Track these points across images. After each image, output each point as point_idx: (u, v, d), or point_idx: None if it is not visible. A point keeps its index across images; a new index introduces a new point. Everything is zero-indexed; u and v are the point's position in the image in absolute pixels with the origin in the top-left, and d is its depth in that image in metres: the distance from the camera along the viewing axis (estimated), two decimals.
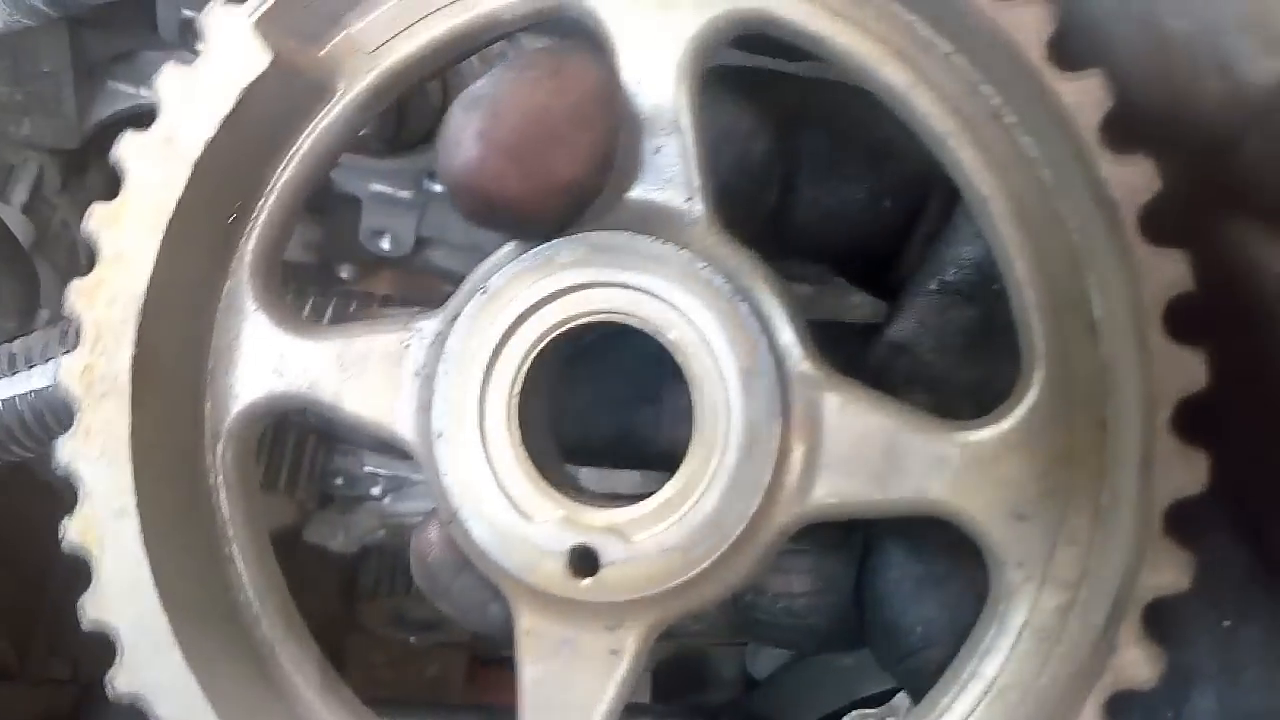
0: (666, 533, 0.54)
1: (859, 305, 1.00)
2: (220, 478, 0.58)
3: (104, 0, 0.96)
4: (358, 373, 0.57)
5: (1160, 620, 0.50)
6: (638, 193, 0.55)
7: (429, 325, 0.56)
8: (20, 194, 1.28)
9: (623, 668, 0.55)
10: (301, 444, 1.53)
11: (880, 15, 0.54)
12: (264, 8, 0.54)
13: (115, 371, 0.54)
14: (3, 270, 1.04)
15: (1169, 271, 0.49)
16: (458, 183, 0.51)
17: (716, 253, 0.55)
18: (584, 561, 0.54)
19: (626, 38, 0.55)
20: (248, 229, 0.57)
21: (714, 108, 0.56)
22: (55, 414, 1.02)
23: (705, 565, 0.54)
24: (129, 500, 0.54)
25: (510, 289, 0.54)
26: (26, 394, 1.01)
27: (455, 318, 0.55)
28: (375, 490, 1.70)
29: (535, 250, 0.54)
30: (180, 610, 0.54)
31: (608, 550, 0.54)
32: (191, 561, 0.56)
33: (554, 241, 0.54)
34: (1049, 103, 0.50)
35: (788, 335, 0.54)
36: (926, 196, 0.63)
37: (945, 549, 0.58)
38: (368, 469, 1.67)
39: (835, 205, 0.64)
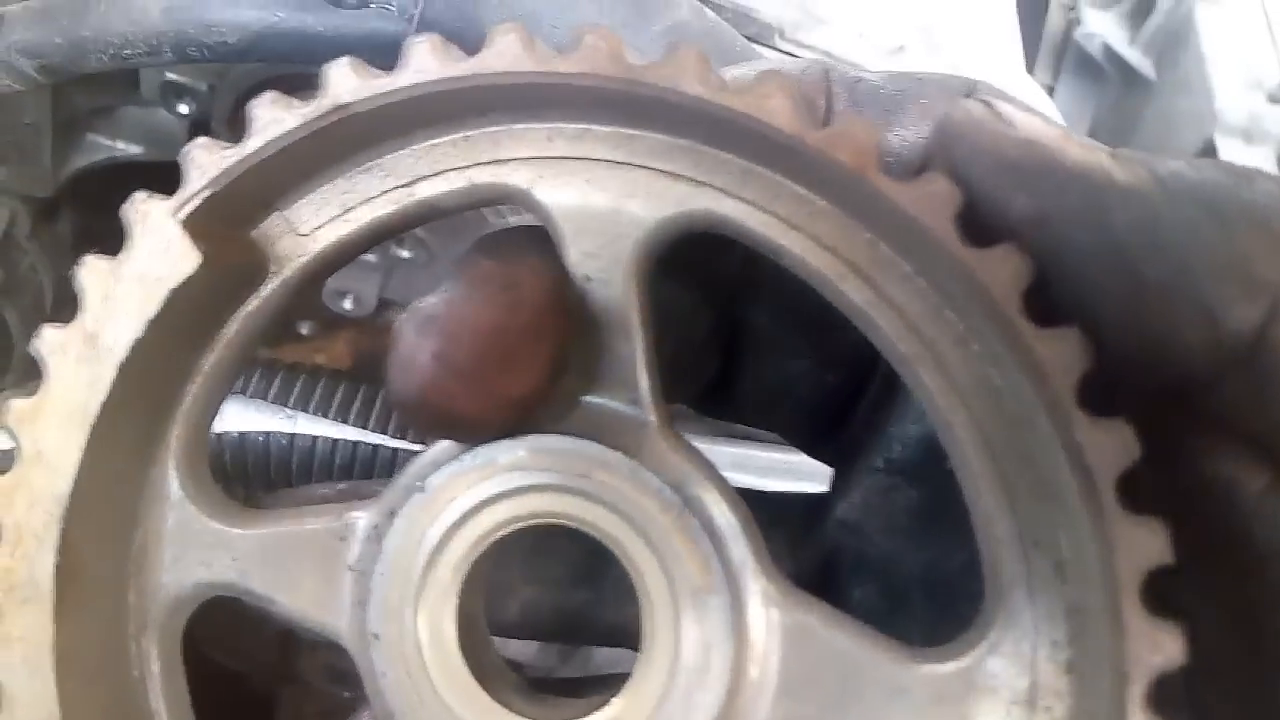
0: None
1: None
2: (148, 670, 0.55)
3: (95, 71, 0.99)
4: (291, 564, 0.54)
5: None
6: (584, 392, 0.54)
7: (364, 518, 0.54)
8: None
9: None
10: (251, 492, 1.55)
11: (840, 231, 0.53)
12: (191, 205, 0.52)
13: (37, 578, 0.51)
14: None
15: (1147, 544, 0.47)
16: (411, 403, 0.50)
17: (667, 460, 0.53)
18: None
19: (575, 235, 0.53)
20: (175, 415, 0.55)
21: (655, 285, 0.55)
22: None
23: None
24: (53, 710, 0.51)
25: (449, 489, 0.53)
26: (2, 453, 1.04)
27: (392, 514, 0.53)
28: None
29: (475, 451, 0.53)
30: None
31: None
32: None
33: (495, 443, 0.53)
34: (1023, 356, 0.48)
35: (741, 550, 0.52)
36: (872, 367, 0.62)
37: None
38: None
39: (777, 378, 0.63)
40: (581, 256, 0.53)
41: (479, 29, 0.87)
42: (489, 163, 0.54)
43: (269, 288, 0.55)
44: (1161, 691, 0.47)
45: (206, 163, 0.52)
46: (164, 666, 0.55)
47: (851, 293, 0.52)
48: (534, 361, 0.50)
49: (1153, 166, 0.49)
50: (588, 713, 0.52)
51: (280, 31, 0.96)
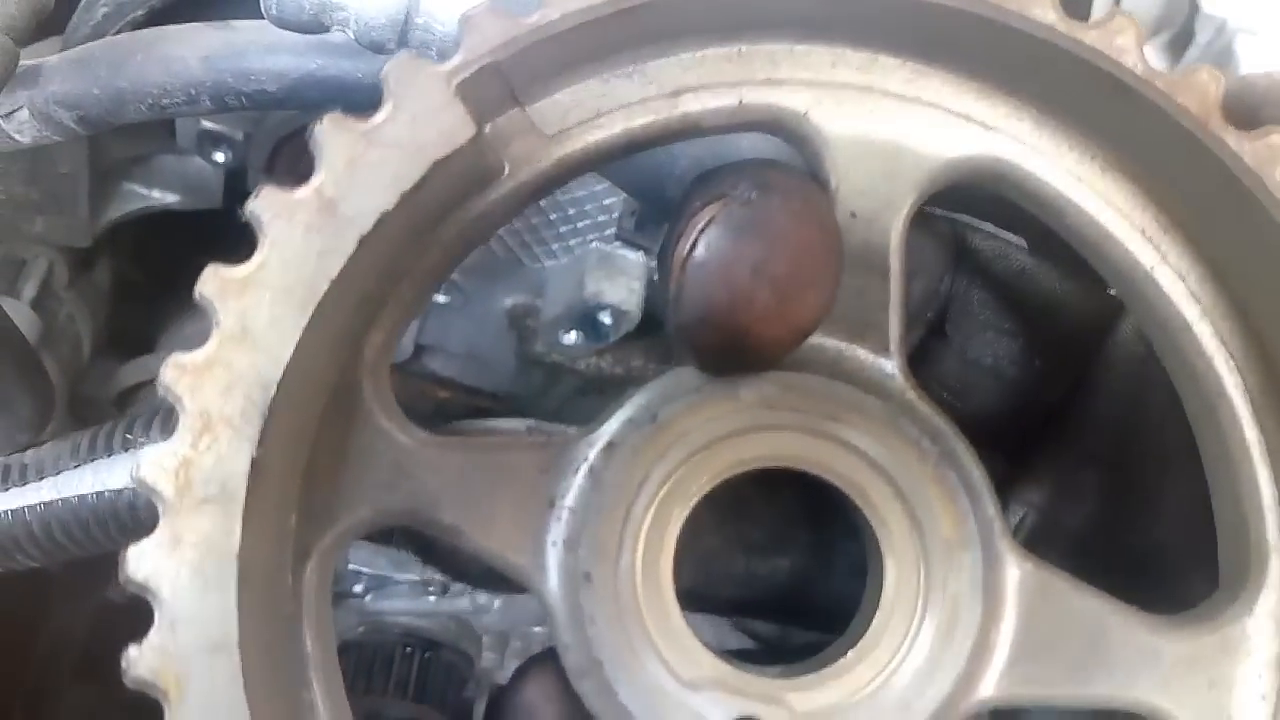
0: (846, 712, 0.49)
1: None
2: (306, 605, 0.50)
3: (134, 121, 0.99)
4: (488, 496, 0.50)
5: None
6: (829, 337, 0.51)
7: (576, 451, 0.50)
8: (30, 289, 1.30)
9: None
10: None
11: (1128, 191, 0.50)
12: (469, 71, 0.46)
13: (226, 474, 0.45)
14: (19, 383, 1.06)
15: None
16: (715, 318, 0.46)
17: (918, 410, 0.51)
18: None
19: (849, 169, 0.50)
20: (377, 319, 0.50)
21: None
22: (64, 527, 1.04)
23: None
24: (229, 632, 0.45)
25: (684, 421, 0.50)
26: (36, 505, 1.03)
27: (612, 447, 0.50)
28: (357, 587, 1.70)
29: (714, 383, 0.50)
30: None
31: None
32: (278, 711, 0.48)
33: (737, 378, 0.49)
34: None
35: (991, 509, 0.51)
36: (1082, 361, 0.61)
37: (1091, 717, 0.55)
38: (351, 566, 1.67)
39: (988, 357, 0.61)
40: (851, 192, 0.50)
41: None
42: (763, 82, 0.50)
43: (499, 190, 0.50)
44: None
45: (491, 29, 0.47)
46: (320, 604, 0.50)
47: (1138, 254, 0.50)
48: (829, 285, 0.47)
49: None
50: (820, 668, 0.50)
51: (319, 79, 0.95)
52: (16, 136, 1.00)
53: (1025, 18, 0.46)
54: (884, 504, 0.50)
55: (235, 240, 1.52)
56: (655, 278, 1.33)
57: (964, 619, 0.49)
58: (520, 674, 0.52)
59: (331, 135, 0.45)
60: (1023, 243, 0.59)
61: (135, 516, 1.05)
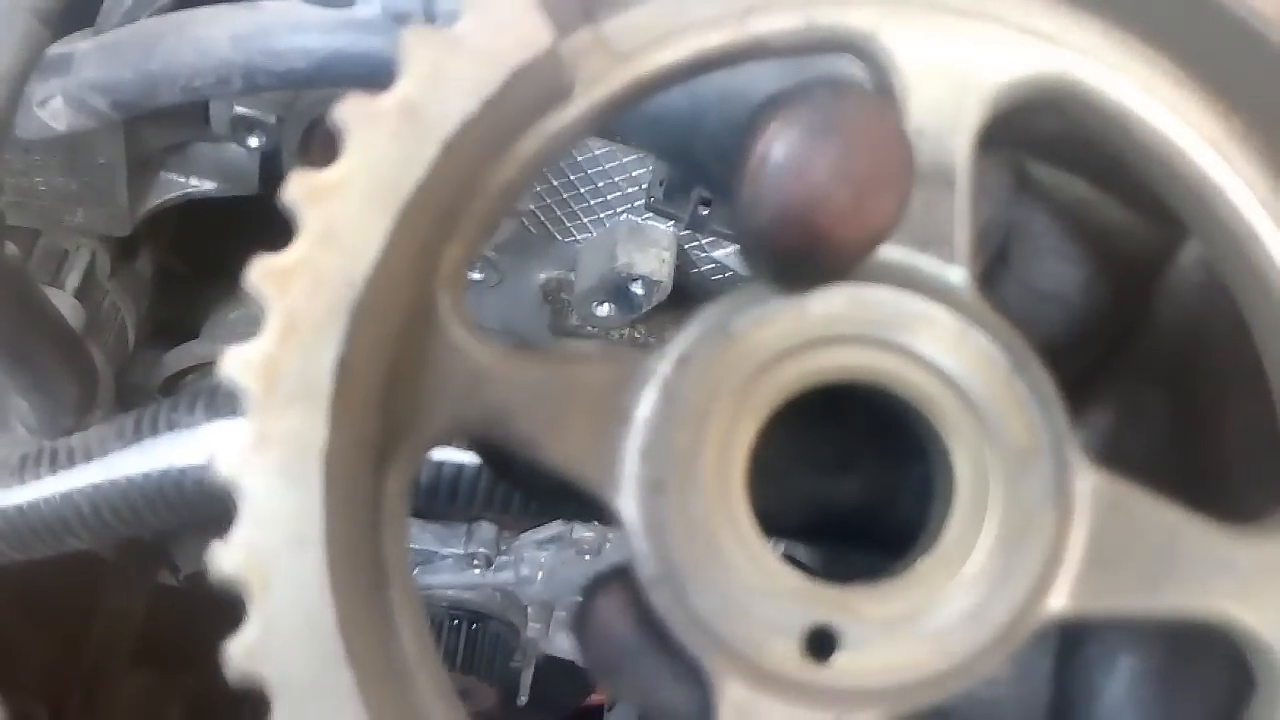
0: (919, 619, 0.49)
1: None
2: (385, 512, 0.50)
3: (167, 104, 1.00)
4: (564, 408, 0.50)
5: None
6: (898, 250, 0.51)
7: (651, 365, 0.50)
8: (73, 280, 1.32)
9: None
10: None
11: (1197, 101, 0.51)
12: None
13: (313, 372, 0.45)
14: (63, 366, 1.07)
15: None
16: (791, 217, 0.46)
17: (988, 320, 0.51)
18: (822, 642, 0.50)
19: (922, 87, 0.51)
20: (452, 232, 0.51)
21: None
22: (113, 509, 1.06)
23: (956, 660, 0.49)
24: (314, 527, 0.45)
25: (756, 334, 0.50)
26: (85, 488, 1.04)
27: (685, 360, 0.50)
28: None
29: (784, 296, 0.50)
30: (359, 665, 0.46)
31: (851, 632, 0.49)
32: (360, 609, 0.48)
33: (808, 290, 0.50)
34: None
35: (1062, 419, 0.51)
36: (1143, 289, 0.60)
37: (1169, 641, 0.56)
38: None
39: (1049, 284, 0.62)
40: (919, 108, 0.51)
41: None
42: (831, 1, 0.51)
43: (571, 110, 0.51)
44: None
45: None
46: (399, 511, 0.51)
47: (1206, 166, 0.50)
48: (904, 189, 0.47)
49: None
50: (891, 578, 0.50)
51: (348, 55, 0.96)
52: (53, 124, 1.01)
53: None
54: (954, 414, 0.50)
55: (273, 225, 1.54)
56: (683, 246, 1.34)
57: (1036, 529, 0.49)
58: (592, 589, 0.52)
59: (414, 46, 0.46)
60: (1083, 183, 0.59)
61: (183, 496, 1.07)
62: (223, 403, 1.10)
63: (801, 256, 0.48)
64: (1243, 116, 0.50)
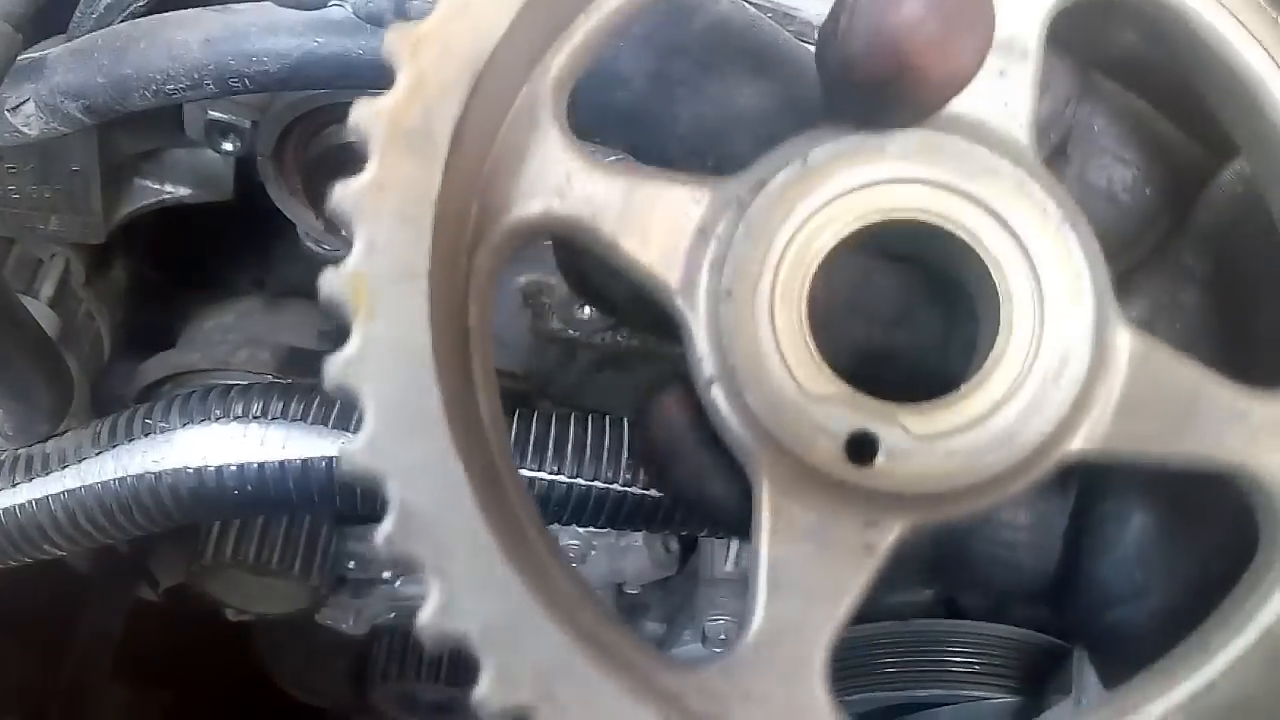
0: (954, 436, 0.53)
1: None
2: (474, 289, 0.54)
3: (139, 109, 0.99)
4: (645, 215, 0.55)
5: None
6: (970, 108, 0.55)
7: (728, 187, 0.55)
8: (48, 289, 1.31)
9: (873, 565, 0.53)
10: (316, 529, 1.55)
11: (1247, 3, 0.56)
12: None
13: (435, 125, 0.50)
14: (37, 373, 1.07)
15: None
16: (882, 41, 0.49)
17: (1046, 177, 0.55)
18: (863, 447, 0.53)
19: None
20: (562, 42, 0.55)
21: None
22: (88, 515, 1.05)
23: (985, 477, 0.53)
24: (421, 262, 0.49)
25: (832, 166, 0.54)
26: (60, 494, 1.04)
27: (763, 184, 0.54)
28: (387, 574, 1.71)
29: (863, 134, 0.54)
30: (447, 396, 0.49)
31: (890, 440, 0.53)
32: (449, 355, 0.51)
33: (888, 130, 0.54)
34: None
35: (1104, 276, 0.54)
36: (1189, 197, 0.65)
37: (1173, 500, 0.59)
38: None
39: (1101, 182, 0.66)
40: None
41: None
42: None
43: None
44: None
45: None
46: (486, 293, 0.55)
47: (1253, 61, 0.55)
48: (985, 37, 0.51)
49: None
50: (934, 399, 0.54)
51: (320, 57, 0.96)
52: (24, 130, 1.00)
53: None
54: (1007, 255, 0.54)
55: (249, 232, 1.52)
56: None
57: (1070, 369, 0.53)
58: (654, 391, 0.57)
59: None
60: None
61: (158, 501, 1.06)
62: (197, 407, 1.10)
63: (889, 84, 0.51)
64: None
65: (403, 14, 0.91)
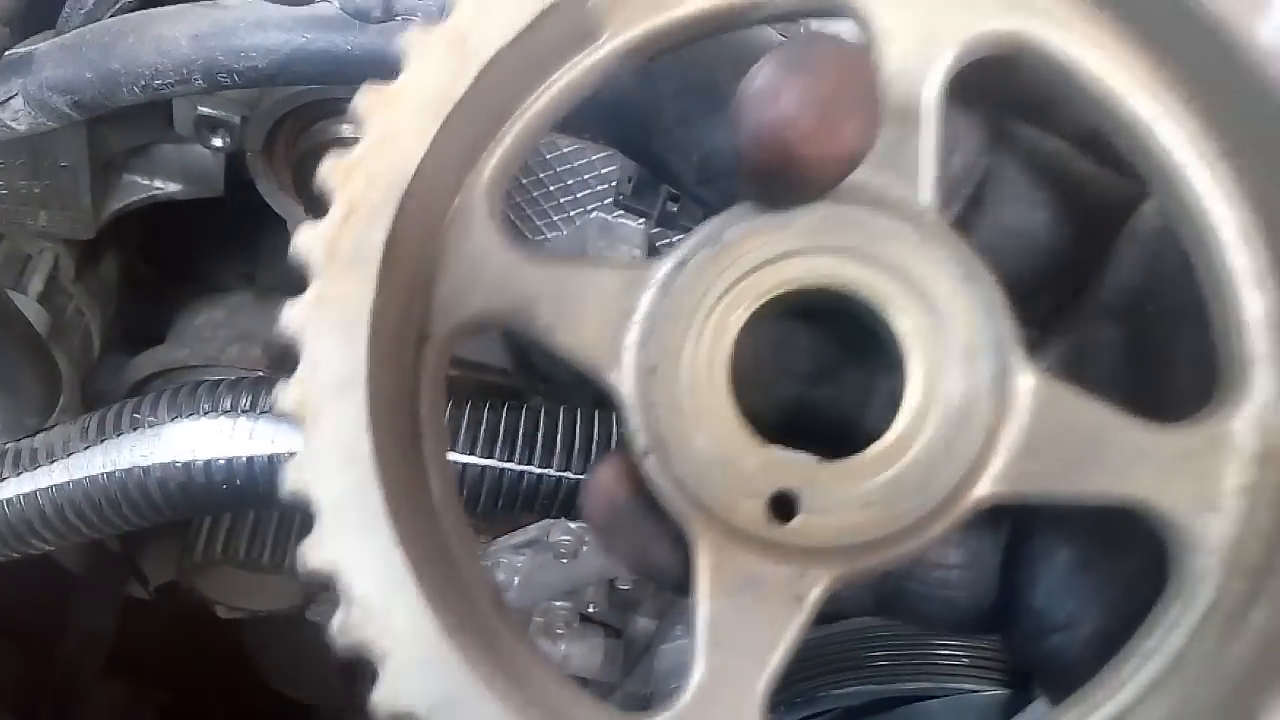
0: (870, 489, 0.56)
1: None
2: (423, 380, 0.58)
3: (128, 104, 0.99)
4: (577, 303, 0.58)
5: None
6: (871, 177, 0.58)
7: (654, 269, 0.58)
8: (37, 284, 1.31)
9: (803, 615, 0.56)
10: (306, 525, 1.55)
11: (1136, 49, 0.58)
12: None
13: (366, 246, 0.54)
14: (25, 367, 1.07)
15: None
16: (764, 138, 0.53)
17: (946, 237, 0.58)
18: (784, 506, 0.56)
19: (894, 39, 0.58)
20: (491, 147, 0.59)
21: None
22: (76, 509, 1.05)
23: (902, 525, 0.56)
24: (358, 375, 0.53)
25: (744, 243, 0.57)
26: (48, 488, 1.04)
27: (683, 264, 0.57)
28: None
29: (771, 212, 0.57)
30: (389, 490, 0.53)
31: (810, 497, 0.56)
32: (396, 451, 0.56)
33: (791, 207, 0.57)
34: None
35: (1006, 325, 0.57)
36: (1108, 235, 0.66)
37: (1094, 533, 0.61)
38: None
39: (1020, 226, 0.67)
40: (894, 56, 0.58)
41: None
42: None
43: (598, 52, 0.59)
44: None
45: None
46: (434, 382, 0.59)
47: (1142, 108, 0.58)
48: (870, 118, 0.54)
49: None
50: (853, 454, 0.57)
51: (309, 53, 0.96)
52: (13, 124, 1.01)
53: None
54: (912, 314, 0.57)
55: (239, 228, 1.52)
56: (657, 245, 1.34)
57: (976, 416, 0.56)
58: (596, 463, 0.63)
59: None
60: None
61: (147, 495, 1.06)
62: (185, 401, 1.10)
63: (777, 173, 0.55)
64: (1172, 65, 0.57)
65: (389, 10, 0.91)
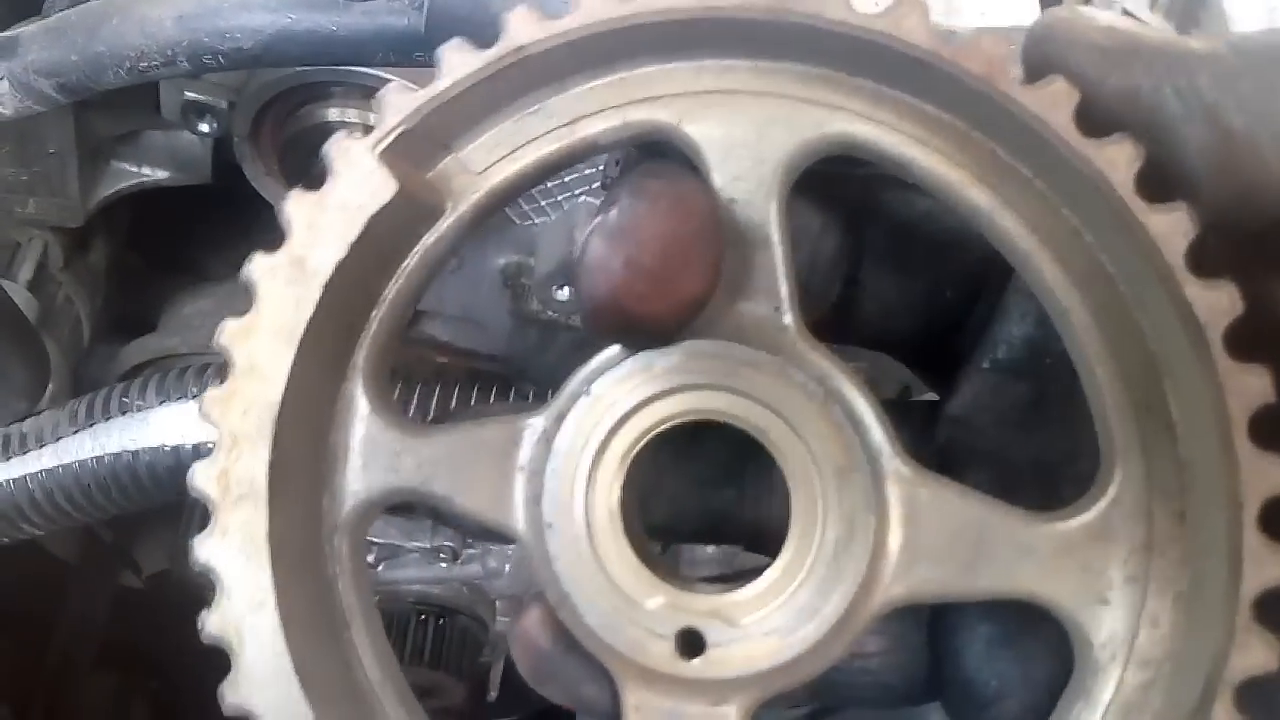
0: (768, 618, 0.58)
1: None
2: (339, 567, 0.60)
3: (114, 86, 0.99)
4: (468, 468, 0.60)
5: (1254, 700, 0.53)
6: (730, 304, 0.59)
7: (535, 423, 0.59)
8: (26, 272, 1.31)
9: None
10: None
11: (963, 143, 0.58)
12: (387, 140, 0.57)
13: (251, 476, 0.57)
14: (14, 352, 1.07)
15: (1254, 385, 0.53)
16: (602, 306, 0.55)
17: (807, 358, 0.59)
18: (691, 643, 0.58)
19: (720, 162, 0.59)
20: (361, 339, 0.60)
21: (787, 208, 0.60)
22: (65, 493, 1.05)
23: (804, 648, 0.58)
24: (267, 594, 0.56)
25: (612, 392, 0.59)
26: (38, 473, 1.04)
27: (561, 418, 0.59)
28: (369, 558, 1.71)
29: (635, 357, 0.59)
30: (316, 693, 0.57)
31: (713, 632, 0.58)
32: (321, 647, 0.58)
33: (653, 350, 0.59)
34: (1135, 233, 0.54)
35: (878, 435, 0.58)
36: (985, 283, 0.67)
37: (1015, 609, 0.61)
38: None
39: (897, 297, 0.69)
40: (727, 181, 0.59)
41: (489, 13, 0.87)
42: (642, 100, 0.60)
43: (446, 223, 0.60)
44: (1272, 514, 0.52)
45: (400, 103, 0.58)
46: (353, 565, 0.60)
47: (976, 198, 0.58)
48: (705, 263, 0.56)
49: (1223, 37, 0.55)
50: (750, 583, 0.58)
51: (294, 33, 0.96)
52: None
53: (823, 16, 0.56)
54: (784, 440, 0.58)
55: (227, 215, 1.52)
56: None
57: (859, 532, 0.57)
58: (519, 609, 0.61)
59: (294, 208, 0.57)
60: None
61: (135, 479, 1.06)
62: (173, 385, 1.10)
63: (624, 332, 0.57)
64: (1001, 157, 0.58)
65: None
